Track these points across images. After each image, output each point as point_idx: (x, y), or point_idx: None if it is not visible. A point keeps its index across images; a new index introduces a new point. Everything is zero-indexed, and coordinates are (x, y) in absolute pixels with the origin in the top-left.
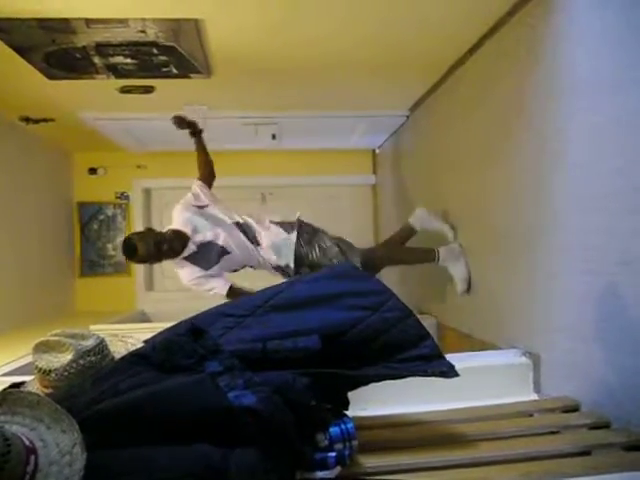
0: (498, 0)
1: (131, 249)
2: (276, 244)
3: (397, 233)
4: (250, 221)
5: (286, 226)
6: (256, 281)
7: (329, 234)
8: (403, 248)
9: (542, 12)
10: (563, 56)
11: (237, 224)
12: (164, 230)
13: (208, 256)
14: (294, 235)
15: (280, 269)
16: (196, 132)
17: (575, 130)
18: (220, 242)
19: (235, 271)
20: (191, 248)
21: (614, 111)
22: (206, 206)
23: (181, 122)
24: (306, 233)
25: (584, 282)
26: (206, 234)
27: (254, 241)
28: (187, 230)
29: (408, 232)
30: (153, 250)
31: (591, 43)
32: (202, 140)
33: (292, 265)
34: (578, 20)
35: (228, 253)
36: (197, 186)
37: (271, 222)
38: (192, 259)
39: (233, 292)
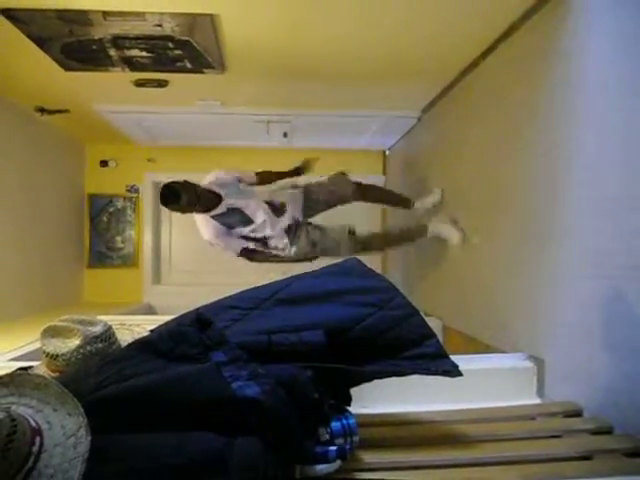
0: (513, 4)
1: (174, 195)
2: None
3: (407, 231)
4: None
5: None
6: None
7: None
8: (398, 234)
9: (557, 16)
10: (577, 60)
11: (266, 202)
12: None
13: (234, 219)
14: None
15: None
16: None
17: (586, 134)
18: (248, 212)
19: (253, 239)
20: (222, 208)
21: (626, 115)
22: (244, 182)
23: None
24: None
25: (590, 286)
26: (237, 201)
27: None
28: (221, 192)
29: (419, 235)
30: (193, 199)
31: (606, 48)
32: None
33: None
34: (593, 25)
35: (252, 223)
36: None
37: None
38: (220, 218)
39: (248, 252)
